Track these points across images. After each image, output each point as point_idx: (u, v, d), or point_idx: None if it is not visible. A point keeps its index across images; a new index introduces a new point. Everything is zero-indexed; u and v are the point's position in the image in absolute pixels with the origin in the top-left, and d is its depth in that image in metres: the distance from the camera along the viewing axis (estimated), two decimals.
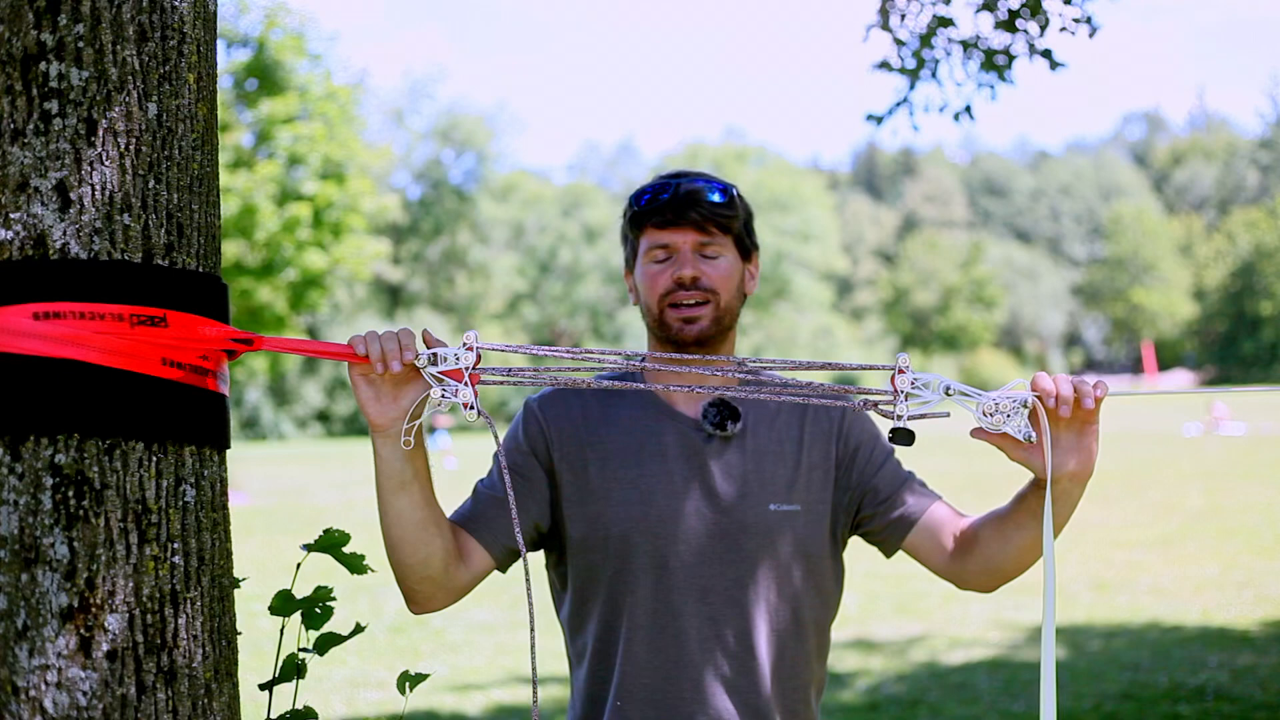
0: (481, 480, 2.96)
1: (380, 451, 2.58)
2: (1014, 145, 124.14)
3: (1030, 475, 2.68)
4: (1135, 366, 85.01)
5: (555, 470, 2.93)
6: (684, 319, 2.91)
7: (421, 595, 2.79)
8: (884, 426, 2.75)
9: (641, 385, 2.59)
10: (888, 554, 3.04)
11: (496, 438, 2.59)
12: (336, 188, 26.57)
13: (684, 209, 2.91)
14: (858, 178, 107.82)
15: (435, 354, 2.45)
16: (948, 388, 2.45)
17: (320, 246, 26.33)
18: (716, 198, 2.94)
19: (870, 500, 2.97)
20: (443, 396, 2.45)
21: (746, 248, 3.00)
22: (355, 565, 2.53)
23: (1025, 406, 2.49)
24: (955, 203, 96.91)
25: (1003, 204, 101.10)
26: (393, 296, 64.81)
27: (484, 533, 2.86)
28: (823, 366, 2.55)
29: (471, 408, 2.43)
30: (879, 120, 7.74)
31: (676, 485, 2.90)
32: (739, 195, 3.01)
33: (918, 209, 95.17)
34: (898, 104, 7.62)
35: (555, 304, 67.04)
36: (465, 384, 2.44)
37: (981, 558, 2.86)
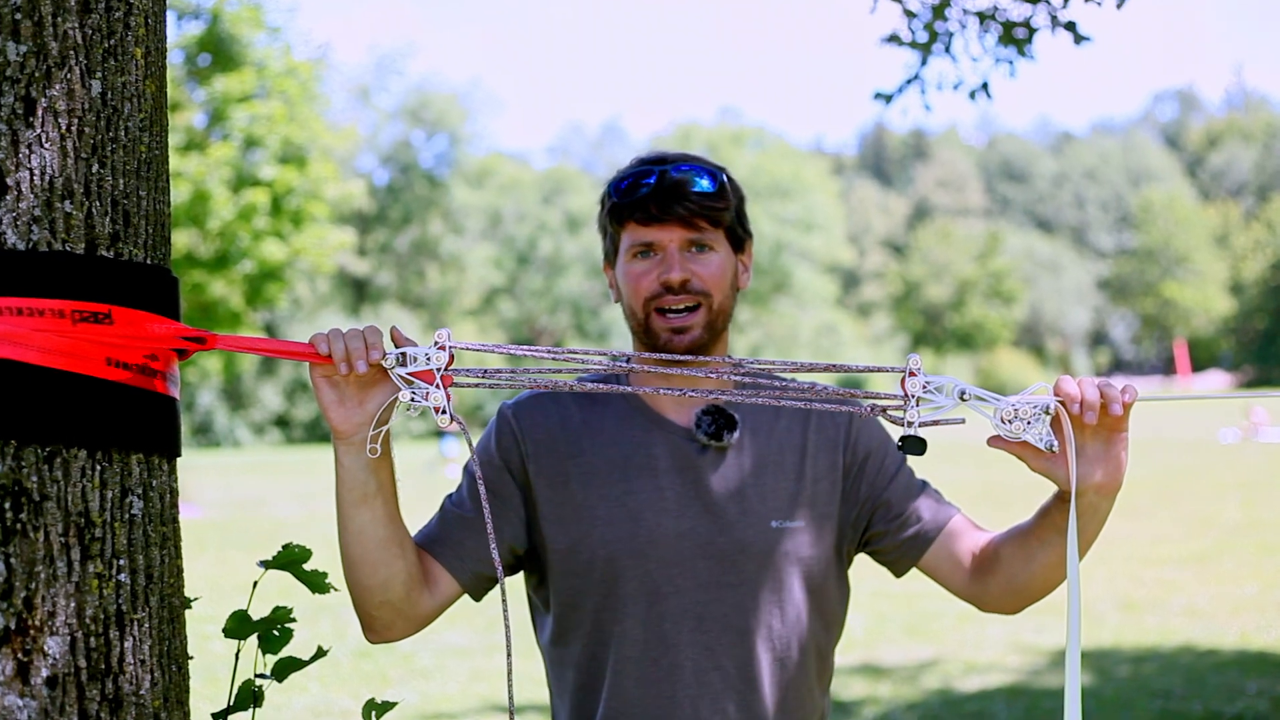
0: (449, 496, 2.93)
1: (342, 460, 2.57)
2: (1035, 126, 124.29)
3: (1054, 487, 2.67)
4: (1167, 367, 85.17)
5: (531, 486, 2.90)
6: (673, 329, 2.86)
7: (379, 622, 2.78)
8: (893, 434, 2.74)
9: (629, 389, 2.58)
10: (898, 573, 3.02)
11: (470, 445, 2.59)
12: (297, 172, 26.53)
13: (670, 202, 2.86)
14: (865, 162, 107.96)
15: (404, 354, 2.44)
16: (963, 392, 2.44)
17: (279, 236, 26.29)
18: (706, 185, 2.88)
19: (882, 515, 2.95)
20: (412, 400, 2.44)
21: (739, 238, 2.96)
22: (317, 584, 2.53)
23: (1047, 413, 2.48)
24: (971, 189, 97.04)
25: (1023, 190, 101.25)
26: (358, 291, 64.74)
27: (450, 557, 2.84)
28: (826, 368, 2.54)
29: (444, 412, 2.42)
30: (888, 99, 7.75)
31: (668, 502, 2.87)
32: (730, 180, 2.96)
33: (930, 195, 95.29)
34: (908, 81, 7.63)
35: (535, 299, 67.02)
36: (437, 386, 2.43)
37: (1003, 577, 2.84)
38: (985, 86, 7.54)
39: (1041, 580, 2.80)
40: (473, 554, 2.84)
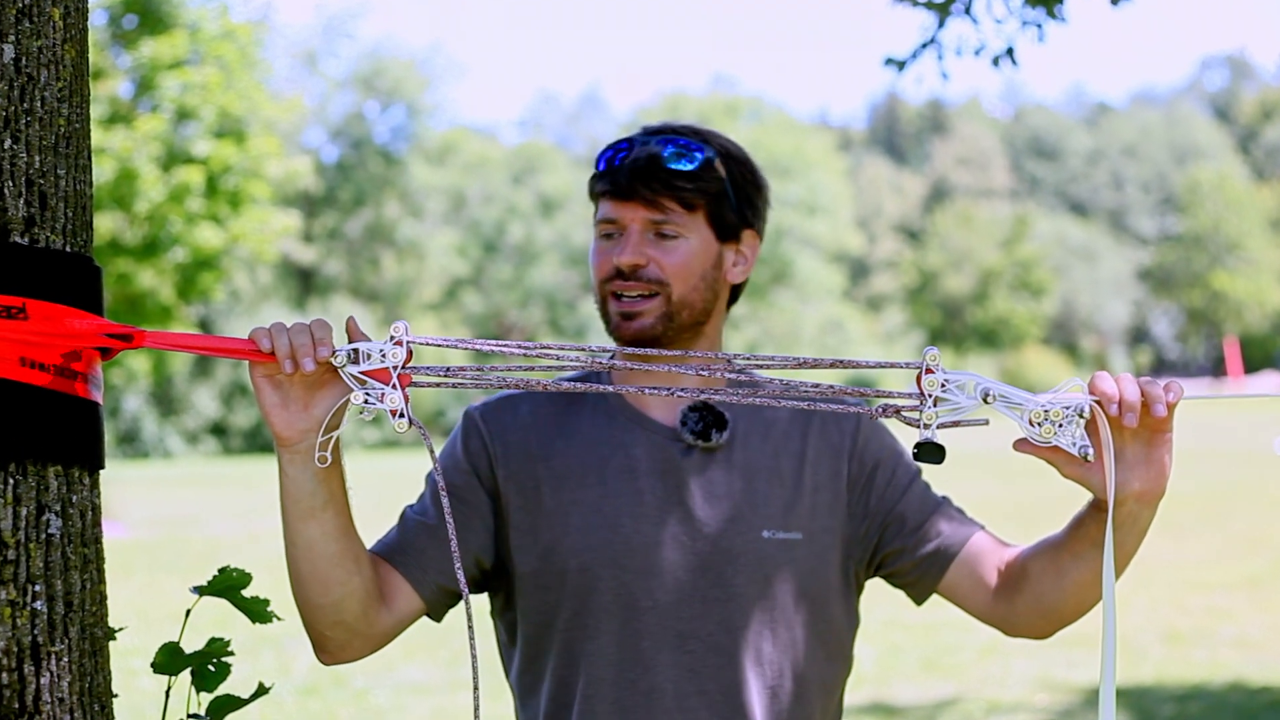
0: (410, 506, 2.95)
1: (287, 470, 2.57)
2: (1067, 97, 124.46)
3: (1089, 496, 2.67)
4: (1216, 368, 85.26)
5: (501, 493, 2.94)
6: (622, 313, 2.92)
7: (333, 643, 2.78)
8: (907, 439, 2.74)
9: (610, 388, 2.58)
10: (919, 600, 3.03)
11: (432, 453, 2.59)
12: (235, 148, 26.48)
13: (634, 179, 2.91)
14: (875, 136, 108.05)
15: (356, 350, 2.44)
16: (986, 391, 2.43)
17: (215, 220, 26.23)
18: (682, 164, 2.91)
19: (895, 532, 2.97)
20: (366, 402, 2.43)
21: (729, 225, 2.98)
22: (258, 613, 2.53)
23: (1081, 415, 2.47)
24: (995, 167, 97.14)
25: (1054, 169, 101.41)
26: (304, 281, 64.67)
27: (413, 568, 2.85)
28: (831, 364, 2.52)
29: (401, 415, 2.42)
30: (901, 65, 7.76)
31: (648, 508, 2.90)
32: (730, 158, 2.98)
33: (949, 174, 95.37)
34: (924, 45, 7.64)
35: (503, 291, 66.96)
36: (394, 386, 2.43)
37: (1032, 596, 2.85)
38: (1010, 52, 7.55)
39: (1074, 600, 2.80)
40: (435, 565, 2.86)
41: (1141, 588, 14.58)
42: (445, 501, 2.53)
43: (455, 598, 2.90)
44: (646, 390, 2.57)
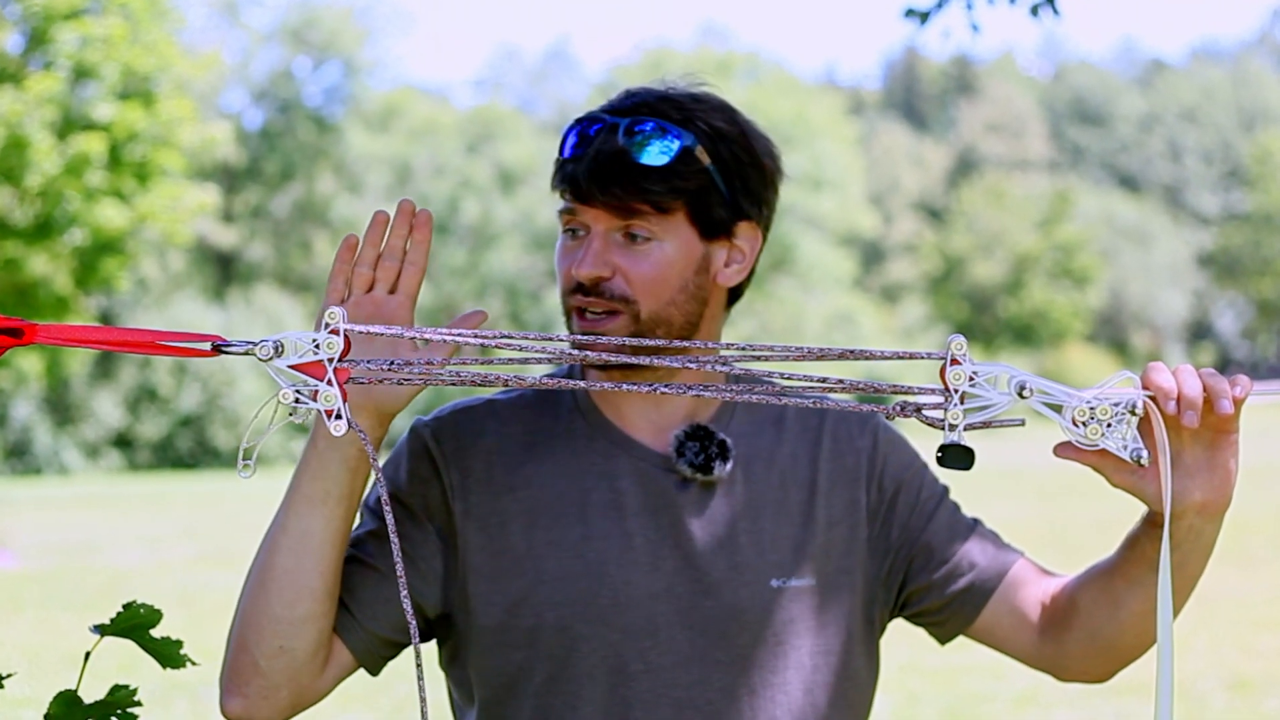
0: None
1: (319, 443, 2.65)
2: (1116, 52, 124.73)
3: (1143, 510, 2.63)
4: None
5: (457, 531, 2.88)
6: (586, 333, 2.81)
7: (261, 683, 2.73)
8: (928, 445, 2.70)
9: (596, 385, 2.46)
10: (943, 639, 3.01)
11: (375, 463, 2.50)
12: (142, 112, 26.46)
13: (593, 181, 2.82)
14: (891, 99, 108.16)
15: (281, 342, 2.38)
16: (1022, 385, 2.33)
17: (119, 197, 26.20)
18: (654, 158, 2.81)
19: (921, 565, 2.94)
20: (297, 401, 2.39)
21: (717, 221, 2.90)
22: (169, 656, 2.52)
23: (1134, 412, 2.36)
24: (1032, 134, 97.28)
25: (1100, 136, 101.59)
26: (223, 268, 64.66)
27: (343, 616, 2.80)
28: (840, 355, 2.39)
29: (338, 416, 2.37)
30: (923, 17, 7.77)
31: (639, 553, 2.85)
32: (721, 138, 2.89)
33: (978, 143, 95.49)
34: None
35: (456, 280, 66.90)
36: (329, 383, 2.38)
37: (1085, 633, 2.82)
38: (1051, 0, 7.57)
39: (1134, 634, 2.77)
40: (369, 610, 2.81)
41: (1202, 626, 14.60)
42: (391, 523, 2.40)
43: (395, 648, 2.86)
44: (625, 387, 2.40)
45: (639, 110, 2.86)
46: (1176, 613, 2.56)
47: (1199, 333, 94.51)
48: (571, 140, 2.87)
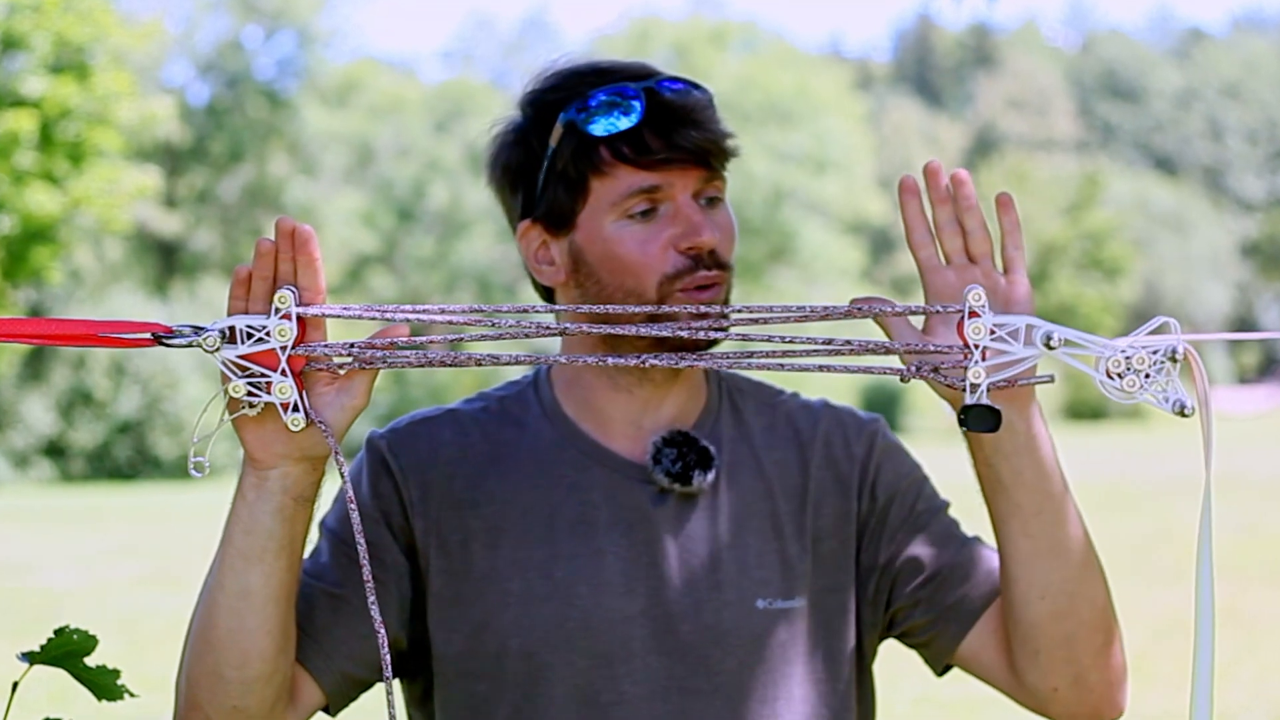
0: (305, 562, 2.76)
1: (247, 495, 2.52)
2: (1151, 21, 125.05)
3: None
4: None
5: (419, 550, 2.86)
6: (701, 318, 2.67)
7: None
8: (929, 452, 2.68)
9: (585, 358, 2.43)
10: (936, 668, 2.98)
11: (341, 465, 2.50)
12: (76, 87, 26.47)
13: (685, 132, 2.80)
14: (902, 72, 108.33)
15: (231, 329, 2.35)
16: (1049, 336, 2.34)
17: (51, 180, 26.22)
18: (713, 110, 2.85)
19: (907, 580, 2.92)
20: (249, 395, 2.37)
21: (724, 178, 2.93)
22: (105, 687, 2.52)
23: (1174, 359, 2.31)
24: (1057, 111, 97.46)
25: (1133, 113, 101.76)
26: (166, 258, 64.66)
27: (315, 654, 2.77)
28: (846, 313, 2.44)
29: (296, 409, 2.35)
30: None
31: (611, 573, 2.83)
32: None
33: (997, 121, 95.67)
34: None
35: (423, 271, 66.91)
36: (283, 373, 2.36)
37: (1014, 630, 2.76)
38: None
39: (1026, 584, 2.71)
40: (344, 648, 2.78)
41: (1247, 654, 14.57)
42: (362, 546, 2.41)
43: (361, 687, 2.83)
44: (610, 360, 2.38)
45: (649, 71, 2.86)
46: (1092, 570, 2.63)
47: (1242, 328, 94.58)
48: (640, 105, 2.78)
